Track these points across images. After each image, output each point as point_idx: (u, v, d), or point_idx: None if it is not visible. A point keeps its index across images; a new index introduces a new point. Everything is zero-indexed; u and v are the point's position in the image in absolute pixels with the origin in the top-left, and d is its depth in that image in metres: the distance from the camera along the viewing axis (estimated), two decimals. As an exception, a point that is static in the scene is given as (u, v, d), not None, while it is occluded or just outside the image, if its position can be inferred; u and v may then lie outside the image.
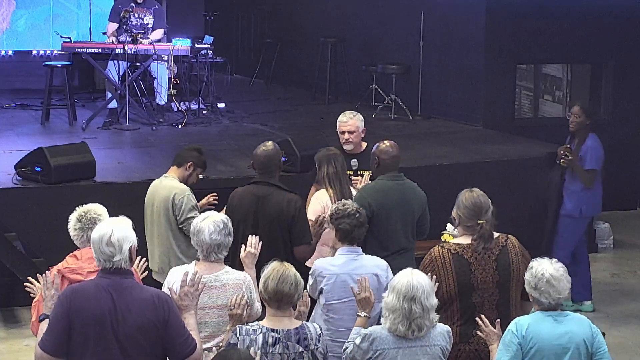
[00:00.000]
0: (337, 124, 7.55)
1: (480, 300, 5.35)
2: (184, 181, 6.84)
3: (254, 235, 5.70)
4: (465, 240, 5.45)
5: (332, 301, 5.60)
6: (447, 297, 5.35)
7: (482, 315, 5.18)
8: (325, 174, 6.77)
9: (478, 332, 5.15)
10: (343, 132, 7.47)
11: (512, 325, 4.91)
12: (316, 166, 6.93)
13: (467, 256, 5.37)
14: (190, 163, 6.86)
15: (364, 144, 7.50)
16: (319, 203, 6.69)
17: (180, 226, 6.68)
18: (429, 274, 5.20)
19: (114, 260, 4.48)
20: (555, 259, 4.96)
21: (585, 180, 8.65)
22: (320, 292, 5.66)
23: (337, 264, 5.67)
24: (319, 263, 5.71)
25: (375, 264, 5.76)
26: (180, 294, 4.84)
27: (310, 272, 5.73)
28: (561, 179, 8.80)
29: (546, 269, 4.87)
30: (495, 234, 5.47)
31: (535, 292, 4.88)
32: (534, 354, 4.82)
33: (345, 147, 7.43)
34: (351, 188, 6.86)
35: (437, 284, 5.19)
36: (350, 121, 7.48)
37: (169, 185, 6.76)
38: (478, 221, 5.39)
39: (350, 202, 5.94)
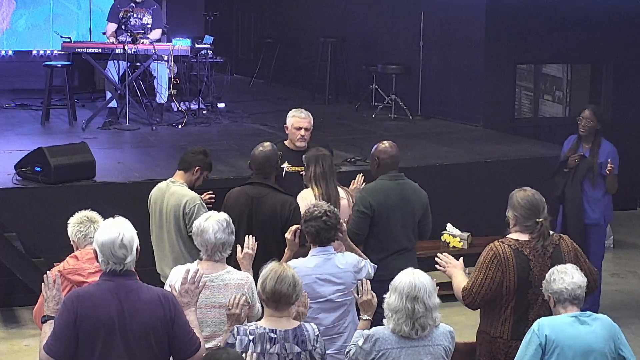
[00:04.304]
0: (291, 119, 7.51)
1: (534, 297, 5.34)
2: (192, 185, 6.77)
3: (251, 236, 5.70)
4: (522, 236, 5.41)
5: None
6: (505, 293, 5.33)
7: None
8: (312, 173, 6.78)
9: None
10: (299, 129, 7.45)
11: (534, 325, 4.95)
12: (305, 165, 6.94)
13: (526, 252, 5.35)
14: (197, 168, 6.79)
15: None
16: (304, 202, 6.67)
17: (190, 234, 6.63)
18: (495, 269, 5.27)
19: (125, 262, 4.46)
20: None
21: (612, 186, 8.39)
22: None
23: (310, 266, 5.62)
24: (292, 263, 5.63)
25: (348, 262, 5.71)
26: (180, 291, 4.84)
27: None
28: (581, 188, 8.39)
29: (555, 268, 5.03)
30: (550, 232, 5.47)
31: (551, 285, 4.96)
32: (557, 356, 4.85)
33: (299, 144, 7.42)
34: (339, 189, 6.84)
35: (438, 287, 5.19)
36: (308, 118, 7.51)
37: (179, 193, 6.66)
38: (537, 220, 5.37)
39: (322, 203, 5.84)
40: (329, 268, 5.63)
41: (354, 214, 6.54)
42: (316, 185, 6.73)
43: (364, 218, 6.48)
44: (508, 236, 5.46)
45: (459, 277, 5.47)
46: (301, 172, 7.12)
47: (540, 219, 5.37)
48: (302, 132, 7.44)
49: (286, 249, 5.93)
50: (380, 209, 6.48)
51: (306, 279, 5.52)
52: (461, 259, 5.63)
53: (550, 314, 5.31)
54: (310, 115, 7.60)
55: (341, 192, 6.84)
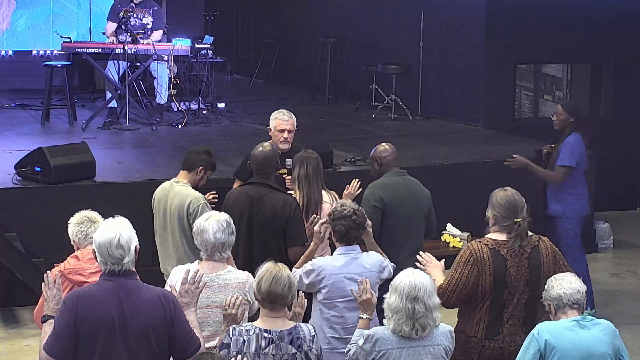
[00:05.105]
0: (274, 121, 7.43)
1: (510, 298, 5.35)
2: (195, 185, 6.76)
3: None
4: (500, 236, 5.42)
5: (333, 299, 5.61)
6: (481, 293, 5.34)
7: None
8: (296, 175, 6.77)
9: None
10: (282, 131, 7.38)
11: (534, 330, 4.95)
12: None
13: (503, 252, 5.35)
14: (201, 167, 6.78)
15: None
16: None
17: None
18: (471, 268, 5.27)
19: (123, 263, 4.45)
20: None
21: (549, 177, 8.35)
22: (319, 290, 5.66)
23: (337, 265, 5.65)
24: (318, 261, 5.69)
25: (373, 262, 5.75)
26: (180, 291, 4.84)
27: (305, 270, 5.68)
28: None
29: (553, 277, 5.07)
30: (529, 233, 5.46)
31: (550, 293, 4.97)
32: None
33: (283, 147, 7.33)
34: (324, 192, 6.81)
35: (437, 284, 5.20)
36: (291, 120, 7.44)
37: (182, 193, 6.65)
38: (515, 220, 5.37)
39: (349, 202, 5.87)
40: (356, 267, 5.67)
41: (366, 210, 6.50)
42: (299, 188, 6.72)
43: (376, 212, 6.46)
44: (486, 236, 5.47)
45: (438, 277, 5.47)
46: (284, 175, 7.14)
47: (519, 219, 5.38)
48: (285, 134, 7.38)
49: (312, 242, 5.95)
50: (391, 203, 6.49)
51: (333, 278, 5.59)
52: (443, 260, 5.63)
53: (526, 313, 5.35)
54: (294, 116, 7.51)
55: (325, 195, 6.80)
